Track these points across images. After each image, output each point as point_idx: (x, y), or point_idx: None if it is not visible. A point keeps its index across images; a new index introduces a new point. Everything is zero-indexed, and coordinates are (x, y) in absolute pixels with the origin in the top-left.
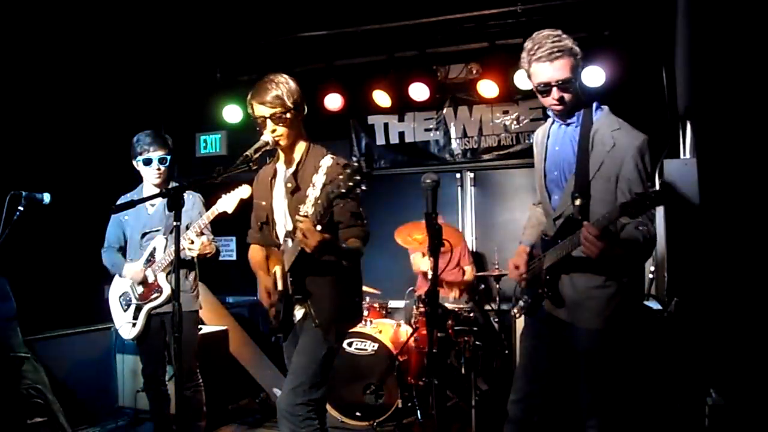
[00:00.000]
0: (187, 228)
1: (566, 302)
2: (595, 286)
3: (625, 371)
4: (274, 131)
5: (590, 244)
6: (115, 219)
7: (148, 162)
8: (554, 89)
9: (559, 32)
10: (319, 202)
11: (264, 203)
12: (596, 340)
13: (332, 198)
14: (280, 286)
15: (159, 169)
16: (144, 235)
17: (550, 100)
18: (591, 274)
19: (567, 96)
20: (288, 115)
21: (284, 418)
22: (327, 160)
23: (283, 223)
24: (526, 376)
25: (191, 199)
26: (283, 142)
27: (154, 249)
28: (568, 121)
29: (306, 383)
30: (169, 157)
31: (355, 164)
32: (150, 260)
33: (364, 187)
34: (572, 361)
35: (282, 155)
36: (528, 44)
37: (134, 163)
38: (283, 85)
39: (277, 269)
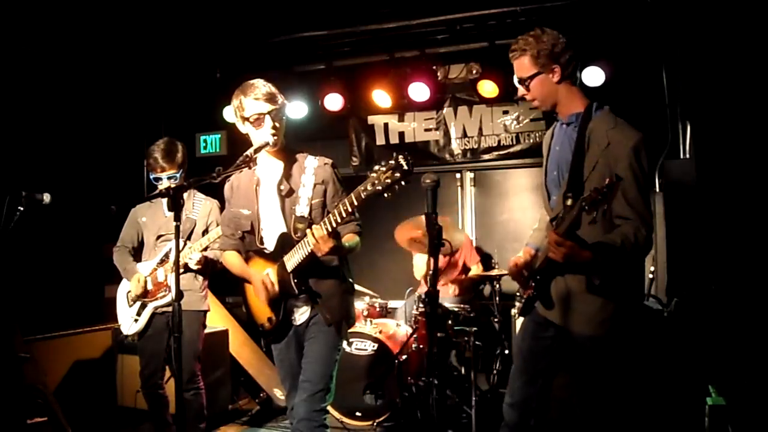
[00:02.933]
0: (204, 234)
1: (559, 305)
2: (589, 290)
3: (621, 378)
4: (274, 127)
5: (553, 248)
6: (131, 220)
7: (157, 180)
8: (520, 87)
9: (526, 35)
10: (345, 201)
11: (248, 212)
12: (589, 348)
13: (365, 197)
14: (276, 289)
15: (168, 188)
16: (159, 237)
17: (520, 93)
18: (584, 277)
19: (535, 92)
20: (283, 111)
21: (301, 424)
22: (312, 161)
23: (275, 228)
24: (522, 378)
25: (207, 204)
26: (279, 141)
27: (170, 250)
28: (567, 121)
29: (324, 390)
30: (179, 173)
31: (394, 161)
32: (164, 260)
33: (404, 184)
34: (566, 366)
35: (262, 162)
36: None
37: None
38: (271, 85)
39: (270, 272)
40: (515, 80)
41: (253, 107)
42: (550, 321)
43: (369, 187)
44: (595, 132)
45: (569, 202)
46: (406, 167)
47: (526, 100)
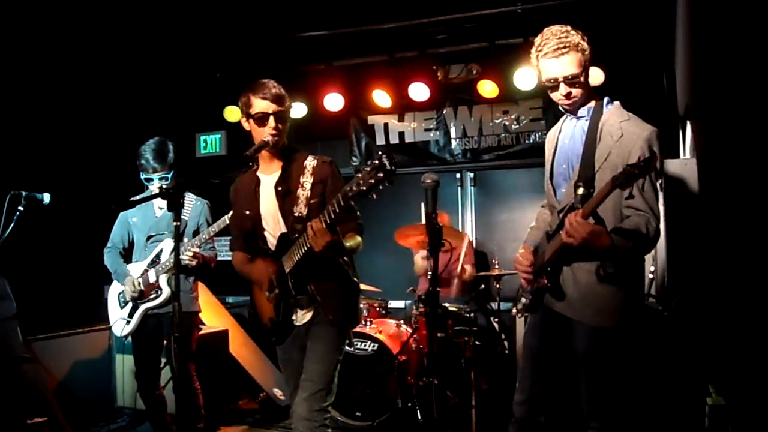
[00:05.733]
0: (194, 235)
1: (568, 297)
2: (598, 282)
3: (627, 371)
4: (276, 128)
5: (574, 229)
6: (122, 220)
7: (148, 180)
8: (562, 84)
9: (568, 28)
10: (333, 201)
11: (248, 212)
12: (597, 339)
13: (351, 196)
14: (276, 290)
15: (161, 187)
16: (149, 237)
17: (558, 95)
18: (593, 268)
19: (575, 91)
20: (288, 114)
21: (302, 424)
22: (311, 161)
23: (273, 228)
24: (533, 376)
25: (199, 205)
26: (280, 141)
27: (161, 251)
28: (579, 115)
29: (324, 389)
30: (170, 174)
31: (377, 161)
32: (155, 261)
33: (387, 184)
34: (573, 359)
35: (263, 163)
36: (537, 40)
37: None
38: (280, 87)
39: (267, 266)
40: (559, 77)
41: (259, 105)
42: (560, 315)
43: (354, 188)
44: (608, 124)
45: (581, 190)
46: (388, 167)
47: (561, 99)
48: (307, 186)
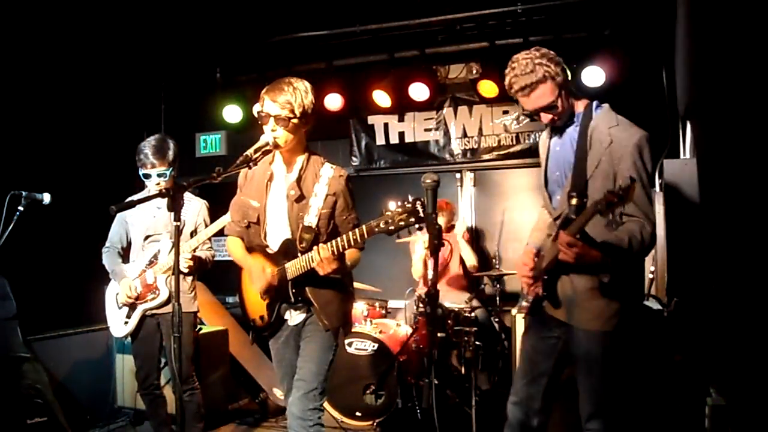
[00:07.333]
0: (192, 235)
1: (566, 303)
2: (595, 287)
3: (626, 374)
4: (273, 131)
5: (564, 250)
6: (119, 219)
7: (147, 176)
8: (541, 114)
9: (531, 57)
10: (350, 234)
11: (256, 204)
12: (596, 343)
13: (377, 232)
14: (275, 283)
15: (158, 183)
16: (147, 237)
17: (543, 120)
18: (590, 275)
19: (557, 113)
20: (292, 122)
21: (296, 423)
22: (327, 170)
23: (278, 228)
24: (526, 377)
25: (197, 205)
26: (281, 145)
27: (159, 251)
28: (569, 121)
29: (318, 388)
30: (169, 171)
31: (411, 205)
32: (152, 261)
33: (417, 228)
34: (572, 363)
35: (279, 158)
36: (506, 74)
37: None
38: (300, 93)
39: (270, 272)
40: (536, 109)
41: (266, 105)
42: (557, 320)
43: (382, 225)
44: (597, 130)
45: (574, 201)
46: (420, 215)
47: (547, 122)
48: (321, 195)
